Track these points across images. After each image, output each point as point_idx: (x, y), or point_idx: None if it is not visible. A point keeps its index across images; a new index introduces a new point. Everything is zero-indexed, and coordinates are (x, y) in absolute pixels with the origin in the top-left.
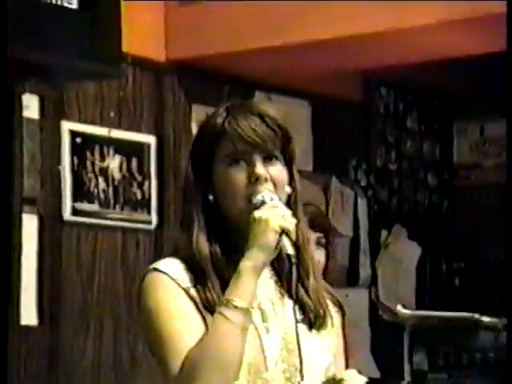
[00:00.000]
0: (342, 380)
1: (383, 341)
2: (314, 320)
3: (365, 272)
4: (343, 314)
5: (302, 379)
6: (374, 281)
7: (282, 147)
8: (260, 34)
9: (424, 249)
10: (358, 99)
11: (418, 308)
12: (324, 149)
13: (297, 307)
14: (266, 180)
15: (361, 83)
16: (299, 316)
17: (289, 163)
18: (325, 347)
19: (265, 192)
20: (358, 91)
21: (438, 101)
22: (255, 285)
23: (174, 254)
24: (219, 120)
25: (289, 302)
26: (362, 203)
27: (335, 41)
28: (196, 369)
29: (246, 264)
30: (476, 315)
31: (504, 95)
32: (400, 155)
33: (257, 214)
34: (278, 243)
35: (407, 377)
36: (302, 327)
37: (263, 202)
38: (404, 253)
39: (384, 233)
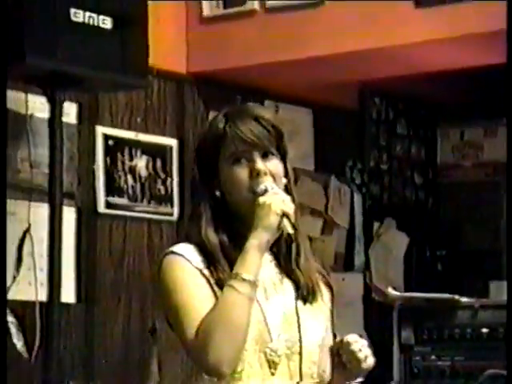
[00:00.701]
0: (348, 342)
1: (375, 318)
2: (306, 295)
3: (359, 258)
4: (332, 293)
5: (301, 348)
6: (367, 266)
7: (276, 144)
8: (269, 50)
9: (411, 238)
10: (354, 107)
11: (405, 290)
12: (324, 151)
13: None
14: (265, 174)
15: (356, 93)
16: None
17: (283, 158)
18: (319, 319)
19: (267, 182)
20: (354, 100)
21: (424, 109)
22: (260, 261)
23: (187, 240)
24: (220, 125)
25: (287, 282)
26: (357, 199)
27: (335, 56)
28: (209, 333)
29: (253, 242)
30: (456, 296)
31: (504, 96)
32: (390, 156)
33: (261, 199)
34: (279, 224)
35: (396, 350)
36: (299, 303)
37: (266, 191)
38: (394, 242)
39: (376, 224)
